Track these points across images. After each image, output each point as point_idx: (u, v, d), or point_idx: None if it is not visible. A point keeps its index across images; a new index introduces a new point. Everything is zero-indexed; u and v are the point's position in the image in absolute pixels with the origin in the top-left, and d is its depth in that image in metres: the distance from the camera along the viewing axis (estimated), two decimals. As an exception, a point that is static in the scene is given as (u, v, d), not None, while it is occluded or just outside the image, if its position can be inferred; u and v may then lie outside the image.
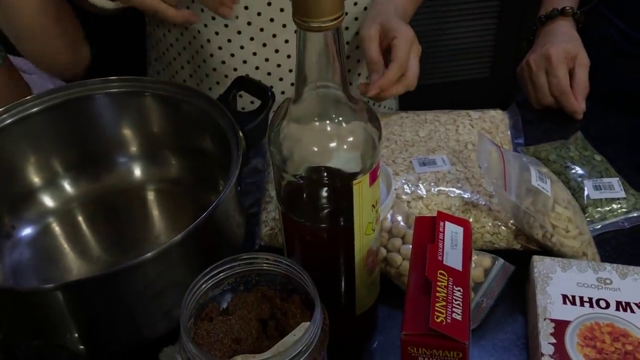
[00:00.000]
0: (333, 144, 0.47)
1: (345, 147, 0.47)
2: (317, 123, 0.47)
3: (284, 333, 0.51)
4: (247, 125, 0.66)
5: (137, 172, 0.77)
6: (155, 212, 0.77)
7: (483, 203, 0.68)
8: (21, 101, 0.70)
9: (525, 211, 0.63)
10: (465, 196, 0.69)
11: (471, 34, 2.00)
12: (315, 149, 0.47)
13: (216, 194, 0.58)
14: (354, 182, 0.48)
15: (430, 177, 0.71)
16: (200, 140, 0.72)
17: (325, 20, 0.42)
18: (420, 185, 0.70)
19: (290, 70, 0.90)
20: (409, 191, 0.70)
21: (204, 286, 0.51)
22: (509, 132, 0.80)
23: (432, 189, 0.70)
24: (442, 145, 0.76)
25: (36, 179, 0.73)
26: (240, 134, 0.64)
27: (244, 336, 0.50)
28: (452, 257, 0.47)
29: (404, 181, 0.71)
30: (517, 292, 0.64)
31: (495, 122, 0.80)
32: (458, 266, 0.46)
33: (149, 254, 0.52)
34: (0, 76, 0.89)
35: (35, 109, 0.70)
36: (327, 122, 0.47)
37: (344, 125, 0.47)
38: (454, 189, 0.70)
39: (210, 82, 0.93)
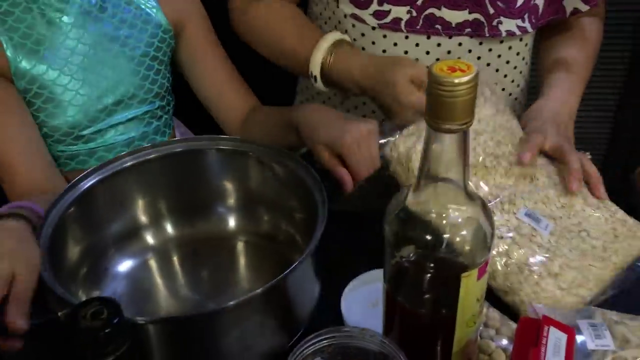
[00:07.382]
0: (446, 236, 0.50)
1: (457, 239, 0.50)
2: (433, 214, 0.50)
3: (374, 407, 0.53)
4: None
5: (232, 222, 0.82)
6: (241, 262, 0.81)
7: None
8: (141, 147, 0.76)
9: None
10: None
11: (586, 124, 1.91)
12: (429, 238, 0.50)
13: (300, 252, 0.61)
14: (463, 275, 0.50)
15: (528, 230, 0.73)
16: (290, 199, 0.76)
17: (455, 124, 0.44)
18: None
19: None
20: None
21: (305, 351, 0.54)
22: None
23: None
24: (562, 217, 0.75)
25: (143, 218, 0.79)
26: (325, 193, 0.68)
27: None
28: (553, 363, 0.49)
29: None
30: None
31: (632, 230, 0.76)
32: (558, 373, 0.48)
33: (230, 303, 0.56)
34: None
35: (153, 155, 0.76)
36: (443, 214, 0.50)
37: (459, 219, 0.50)
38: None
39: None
